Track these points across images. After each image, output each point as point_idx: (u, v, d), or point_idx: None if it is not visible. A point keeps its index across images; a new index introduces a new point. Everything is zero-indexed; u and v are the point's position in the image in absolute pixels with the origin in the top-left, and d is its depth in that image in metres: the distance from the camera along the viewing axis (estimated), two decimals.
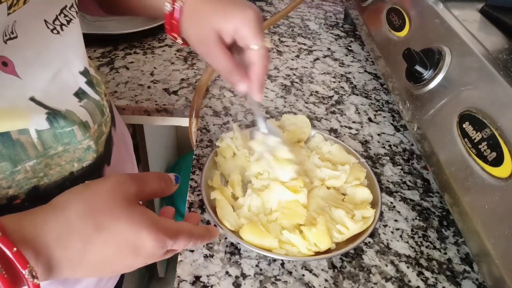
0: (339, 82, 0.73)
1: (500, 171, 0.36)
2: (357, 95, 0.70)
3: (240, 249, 0.44)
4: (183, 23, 0.41)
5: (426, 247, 0.46)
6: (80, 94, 0.39)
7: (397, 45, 0.57)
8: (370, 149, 0.59)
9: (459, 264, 0.45)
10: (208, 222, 0.46)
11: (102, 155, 0.41)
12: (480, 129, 0.39)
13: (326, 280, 0.42)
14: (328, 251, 0.42)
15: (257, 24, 0.39)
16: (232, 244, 0.44)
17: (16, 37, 0.32)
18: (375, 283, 0.42)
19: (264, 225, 0.43)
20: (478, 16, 0.51)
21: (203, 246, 0.43)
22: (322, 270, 0.43)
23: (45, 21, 0.35)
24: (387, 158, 0.57)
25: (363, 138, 0.61)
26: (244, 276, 0.41)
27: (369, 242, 0.46)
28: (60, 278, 0.29)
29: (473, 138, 0.39)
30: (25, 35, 0.33)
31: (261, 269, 0.42)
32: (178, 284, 0.40)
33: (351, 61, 0.80)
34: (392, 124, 0.64)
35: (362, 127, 0.63)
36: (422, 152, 0.48)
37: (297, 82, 0.72)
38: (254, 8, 0.39)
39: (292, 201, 0.45)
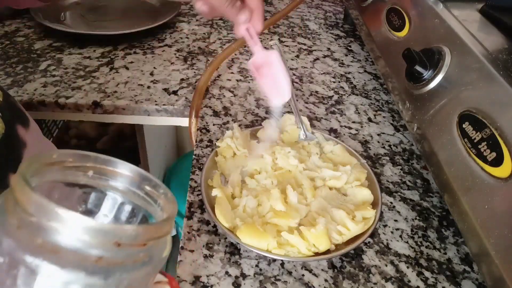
0: (339, 82, 0.73)
1: (500, 171, 0.36)
2: (357, 95, 0.70)
3: (240, 249, 0.44)
4: None
5: (426, 247, 0.46)
6: None
7: (397, 45, 0.57)
8: (370, 149, 0.59)
9: (459, 264, 0.45)
10: (207, 222, 0.46)
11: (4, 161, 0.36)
12: (480, 129, 0.39)
13: (326, 280, 0.42)
14: (328, 251, 0.42)
15: None
16: (231, 244, 0.44)
17: None
18: (375, 283, 0.42)
19: (260, 227, 0.43)
20: (478, 16, 0.51)
21: (203, 246, 0.43)
22: (322, 270, 0.43)
23: None
24: (387, 158, 0.57)
25: (363, 138, 0.61)
26: (244, 276, 0.41)
27: (369, 242, 0.46)
28: None
29: (473, 138, 0.39)
30: None
31: (261, 269, 0.42)
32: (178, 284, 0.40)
33: (351, 61, 0.80)
34: (392, 124, 0.64)
35: (362, 127, 0.63)
36: (422, 152, 0.48)
37: (297, 82, 0.72)
38: None
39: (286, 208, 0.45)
